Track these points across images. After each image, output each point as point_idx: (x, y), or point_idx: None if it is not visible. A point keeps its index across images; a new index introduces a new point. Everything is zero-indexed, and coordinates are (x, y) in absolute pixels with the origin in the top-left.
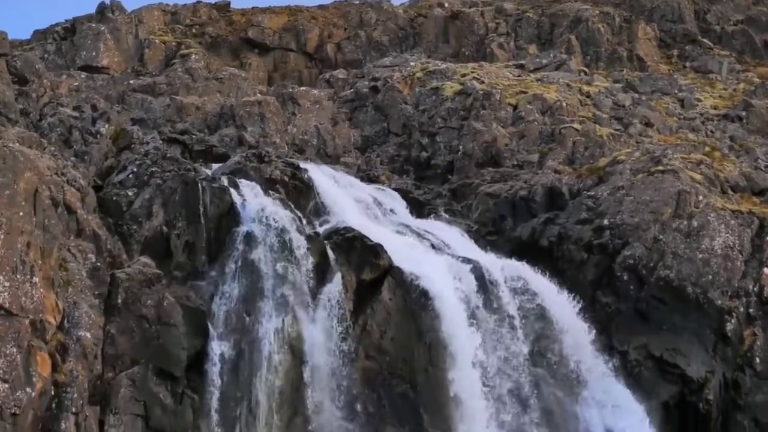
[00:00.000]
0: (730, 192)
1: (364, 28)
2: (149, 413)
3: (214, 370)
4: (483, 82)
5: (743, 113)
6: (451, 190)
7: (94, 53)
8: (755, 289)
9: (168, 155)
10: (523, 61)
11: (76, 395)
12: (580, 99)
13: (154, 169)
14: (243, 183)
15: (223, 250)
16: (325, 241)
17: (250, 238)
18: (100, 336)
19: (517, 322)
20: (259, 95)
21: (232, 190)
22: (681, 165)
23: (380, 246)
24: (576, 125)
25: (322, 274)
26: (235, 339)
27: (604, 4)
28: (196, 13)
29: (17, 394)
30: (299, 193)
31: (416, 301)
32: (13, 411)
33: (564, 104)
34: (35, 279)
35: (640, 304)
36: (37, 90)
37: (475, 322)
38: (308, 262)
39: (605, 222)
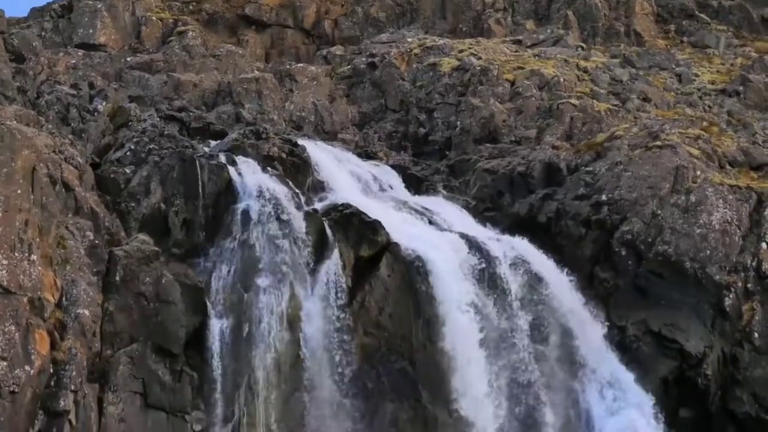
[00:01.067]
0: (728, 167)
1: (361, 5)
2: (148, 390)
3: (213, 347)
4: (480, 58)
5: (741, 88)
6: (448, 166)
7: (91, 31)
8: (753, 264)
9: (165, 132)
10: (520, 37)
11: (74, 373)
12: (577, 74)
13: (151, 146)
14: (241, 160)
15: (221, 227)
16: (323, 218)
17: (247, 215)
18: (99, 313)
19: (515, 298)
20: (256, 72)
21: (230, 167)
22: (679, 140)
23: (378, 222)
24: (573, 101)
25: (320, 250)
26: (234, 316)
27: None
28: None
29: (16, 372)
30: (297, 170)
31: (414, 278)
32: (11, 389)
33: (561, 80)
34: (33, 257)
35: (639, 280)
36: (35, 68)
37: (473, 298)
38: (306, 239)
39: (603, 197)
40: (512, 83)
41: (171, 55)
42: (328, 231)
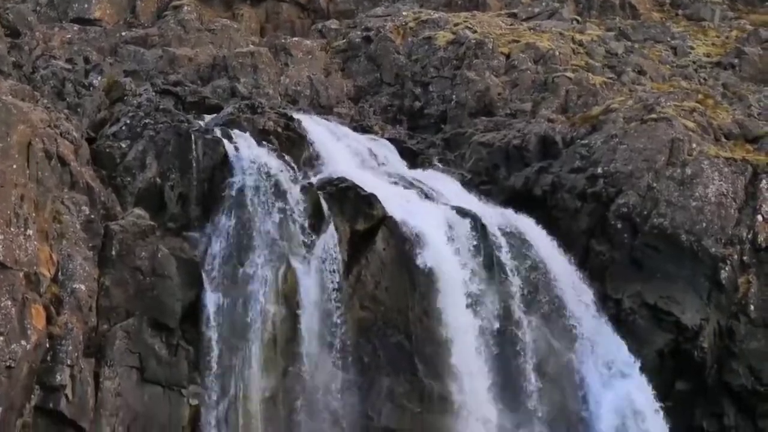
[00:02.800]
0: (723, 139)
1: None
2: (144, 365)
3: (209, 322)
4: (476, 32)
5: (736, 61)
6: (444, 139)
7: (86, 5)
8: (749, 236)
9: (161, 107)
10: (515, 10)
11: (71, 348)
12: (572, 47)
13: (147, 120)
14: (236, 134)
15: (217, 201)
16: (319, 192)
17: (243, 189)
18: (95, 288)
19: (511, 271)
20: (251, 46)
21: (226, 142)
22: (674, 113)
23: (374, 196)
24: (569, 74)
25: (315, 224)
26: (230, 290)
27: None
28: None
29: (12, 346)
30: (292, 144)
31: (410, 251)
32: (8, 364)
33: (557, 53)
34: (29, 232)
35: (634, 252)
36: (30, 43)
37: (469, 271)
38: (302, 213)
39: (599, 170)
40: (507, 56)
41: (166, 30)
42: (324, 205)
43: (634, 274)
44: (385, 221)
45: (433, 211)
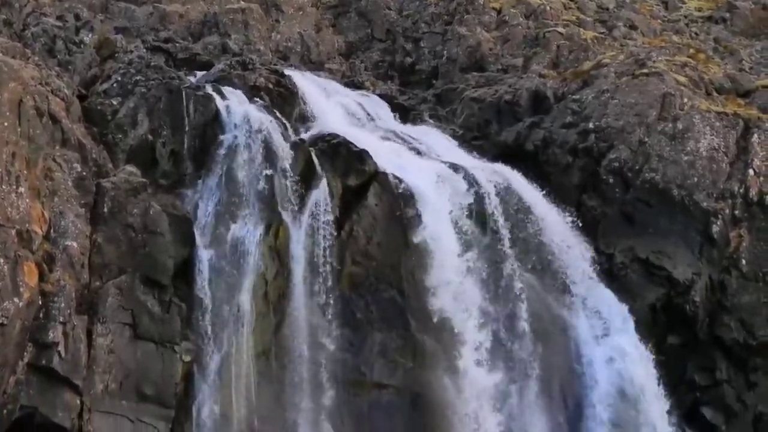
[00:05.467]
0: (714, 94)
1: None
2: (137, 321)
3: (201, 278)
4: None
5: (727, 15)
6: (435, 95)
7: None
8: (741, 190)
9: (152, 64)
10: None
11: (63, 305)
12: (563, 2)
13: (138, 77)
14: (227, 91)
15: (208, 157)
16: (311, 148)
17: (234, 146)
18: (87, 245)
19: (503, 227)
20: (242, 2)
21: (217, 98)
22: (665, 67)
23: (366, 152)
24: (560, 29)
25: (307, 180)
26: (221, 246)
27: None
28: None
29: (4, 304)
30: (284, 100)
31: (402, 207)
32: (0, 321)
33: (548, 8)
34: (21, 189)
35: (626, 207)
36: (20, 0)
37: (461, 226)
38: (293, 169)
39: (590, 125)
40: (498, 12)
41: None
42: (316, 161)
43: (625, 229)
44: (377, 177)
45: (424, 166)
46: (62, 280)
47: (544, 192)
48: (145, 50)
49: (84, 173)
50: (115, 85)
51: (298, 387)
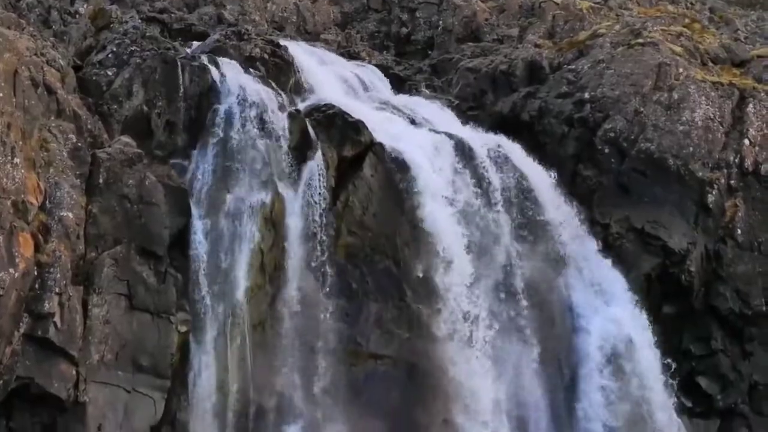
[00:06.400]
0: (710, 64)
1: None
2: (133, 292)
3: (197, 249)
4: None
5: None
6: (431, 65)
7: None
8: (736, 160)
9: (147, 34)
10: None
11: (59, 275)
12: None
13: (133, 48)
14: (223, 61)
15: (204, 128)
16: (306, 118)
17: (230, 116)
18: (82, 216)
19: (499, 197)
20: None
21: (212, 69)
22: (661, 37)
23: (361, 122)
24: None
25: (303, 151)
26: (217, 217)
27: None
28: None
29: (0, 275)
30: (279, 71)
31: (398, 177)
32: None
33: None
34: (16, 160)
35: (622, 177)
36: None
37: (456, 196)
38: (289, 139)
39: (586, 95)
40: None
41: None
42: (311, 131)
43: (621, 199)
44: (373, 147)
45: (420, 136)
46: (58, 250)
47: (539, 162)
48: (140, 21)
49: (79, 144)
50: (110, 55)
51: (293, 358)
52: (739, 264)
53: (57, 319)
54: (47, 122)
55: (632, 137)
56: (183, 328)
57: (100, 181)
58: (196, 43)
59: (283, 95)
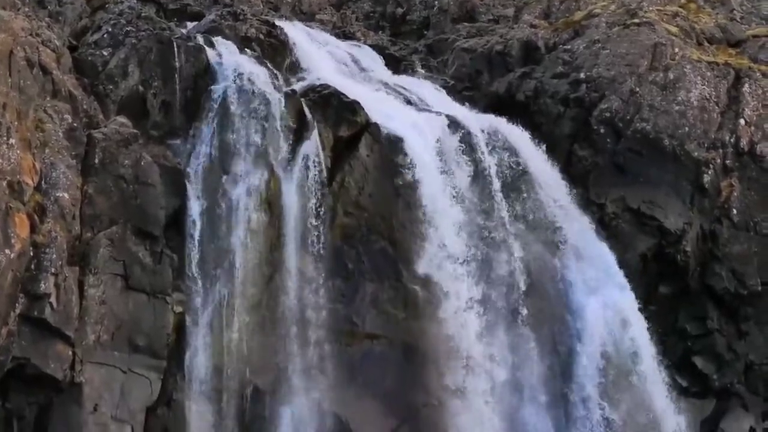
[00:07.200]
0: (705, 44)
1: None
2: (128, 272)
3: (193, 229)
4: None
5: None
6: (427, 45)
7: None
8: (732, 140)
9: (143, 14)
10: None
11: (55, 256)
12: None
13: (128, 28)
14: (218, 41)
15: (199, 108)
16: (302, 99)
17: (225, 97)
18: (78, 196)
19: (494, 178)
20: None
21: (208, 49)
22: (656, 17)
23: (357, 102)
24: None
25: (298, 131)
26: (213, 197)
27: None
28: None
29: None
30: (275, 51)
31: (394, 157)
32: None
33: None
34: (12, 140)
35: (617, 157)
36: None
37: (452, 176)
38: (285, 120)
39: (581, 75)
40: None
41: None
42: (307, 112)
43: (617, 179)
44: (369, 128)
45: (416, 116)
46: (54, 231)
47: (535, 142)
48: (135, 1)
49: (75, 124)
50: (105, 36)
51: (289, 338)
52: (735, 244)
53: (53, 299)
54: (43, 103)
55: (628, 117)
56: (179, 309)
57: (96, 161)
58: (191, 24)
59: (279, 75)
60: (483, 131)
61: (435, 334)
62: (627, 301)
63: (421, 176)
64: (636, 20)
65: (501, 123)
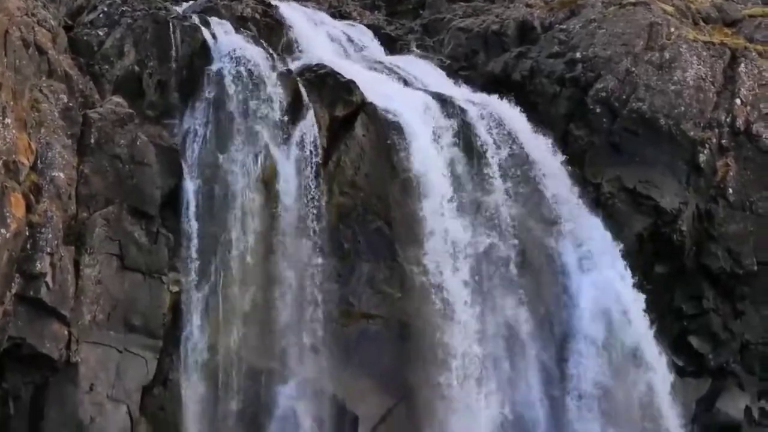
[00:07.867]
0: (701, 23)
1: None
2: (124, 252)
3: (188, 209)
4: None
5: None
6: (422, 25)
7: None
8: (728, 120)
9: None
10: None
11: (50, 235)
12: None
13: (124, 8)
14: (214, 21)
15: (195, 88)
16: (298, 78)
17: (221, 76)
18: (74, 176)
19: (490, 157)
20: None
21: (203, 29)
22: None
23: (353, 82)
24: None
25: (294, 111)
26: (209, 177)
27: None
28: None
29: None
30: (271, 31)
31: (390, 137)
32: None
33: None
34: (7, 120)
35: (613, 137)
36: None
37: (448, 156)
38: (281, 100)
39: (577, 55)
40: None
41: None
42: (303, 91)
43: (613, 159)
44: (365, 107)
45: (412, 96)
46: (49, 211)
47: (530, 121)
48: None
49: (71, 104)
50: (101, 15)
51: (285, 318)
52: (731, 223)
53: (49, 279)
54: (38, 82)
55: (624, 97)
56: (175, 288)
57: (92, 141)
58: (187, 3)
59: (275, 55)
60: (479, 111)
61: (431, 314)
62: (623, 280)
63: (416, 156)
64: (632, 0)
65: (497, 103)
